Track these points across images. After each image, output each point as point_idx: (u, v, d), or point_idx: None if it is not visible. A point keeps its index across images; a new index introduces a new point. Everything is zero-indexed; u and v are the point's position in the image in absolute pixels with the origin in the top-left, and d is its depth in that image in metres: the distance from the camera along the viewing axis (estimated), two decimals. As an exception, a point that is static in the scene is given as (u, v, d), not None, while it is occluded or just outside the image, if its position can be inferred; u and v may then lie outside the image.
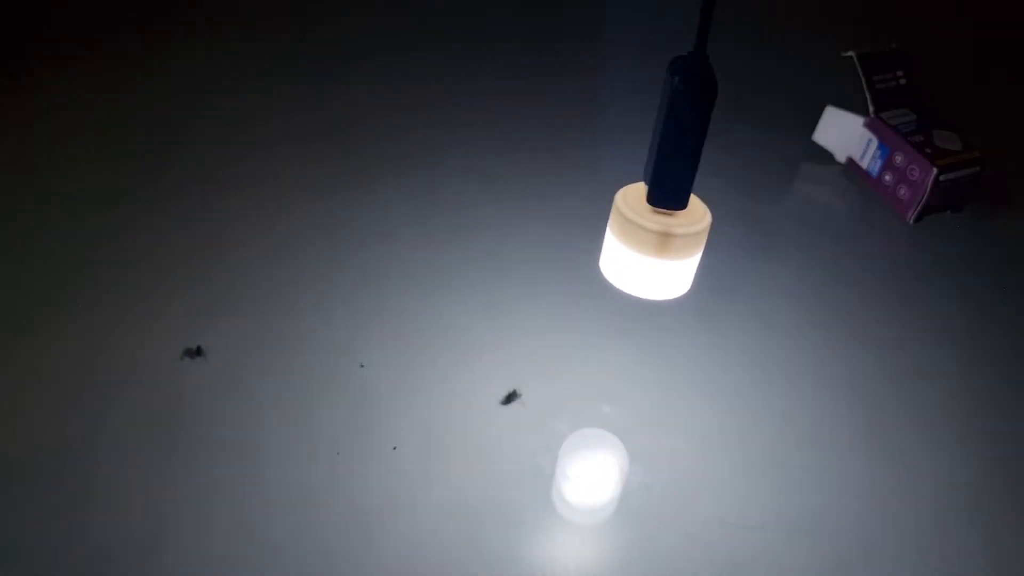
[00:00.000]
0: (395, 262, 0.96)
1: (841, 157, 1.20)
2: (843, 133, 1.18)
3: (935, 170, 1.05)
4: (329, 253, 0.96)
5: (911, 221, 1.10)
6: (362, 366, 0.83)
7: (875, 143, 1.14)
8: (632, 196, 0.63)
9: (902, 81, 1.17)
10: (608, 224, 0.65)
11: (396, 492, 0.73)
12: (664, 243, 0.61)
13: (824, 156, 1.21)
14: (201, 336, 0.84)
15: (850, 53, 1.15)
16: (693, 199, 0.63)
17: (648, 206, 0.62)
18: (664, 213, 0.62)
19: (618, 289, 0.66)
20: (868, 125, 1.15)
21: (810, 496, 0.77)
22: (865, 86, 1.15)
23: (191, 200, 1.02)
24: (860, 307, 0.97)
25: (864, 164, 1.16)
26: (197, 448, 0.75)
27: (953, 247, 1.07)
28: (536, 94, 1.28)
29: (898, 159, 1.10)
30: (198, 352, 0.77)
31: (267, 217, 1.00)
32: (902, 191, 1.10)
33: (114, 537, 0.68)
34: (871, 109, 1.14)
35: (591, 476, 0.76)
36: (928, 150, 1.08)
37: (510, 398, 0.81)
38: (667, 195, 0.62)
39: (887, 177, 1.12)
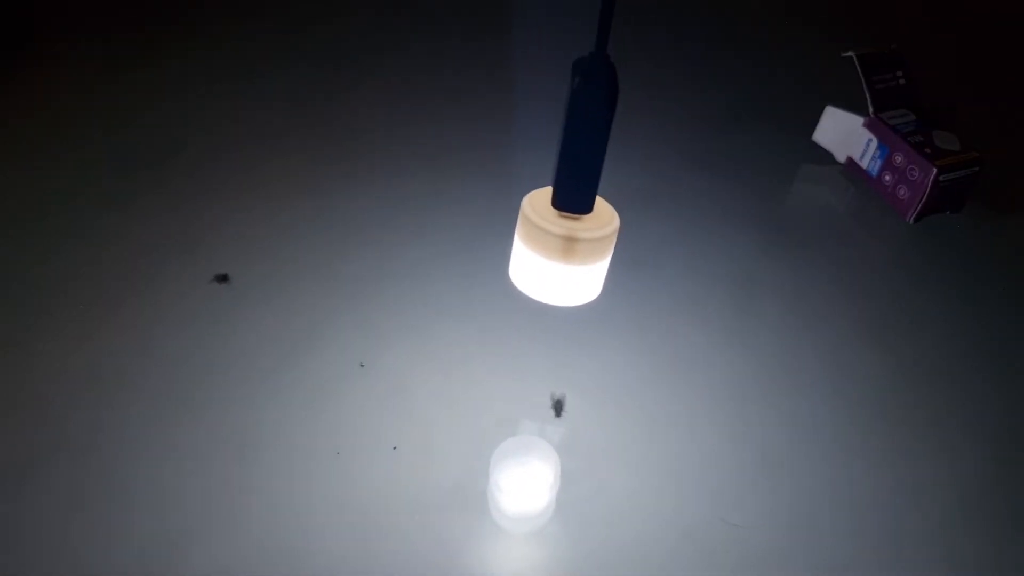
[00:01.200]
0: (395, 262, 0.96)
1: (841, 157, 1.20)
2: (843, 133, 1.18)
3: (935, 170, 1.05)
4: (329, 252, 0.96)
5: (911, 221, 1.10)
6: (362, 366, 0.83)
7: (875, 143, 1.14)
8: (539, 200, 0.62)
9: (902, 81, 1.17)
10: (516, 229, 0.63)
11: (396, 492, 0.73)
12: (569, 248, 0.60)
13: (824, 156, 1.21)
14: (204, 334, 0.84)
15: (850, 53, 1.15)
16: (601, 203, 0.62)
17: (554, 210, 0.61)
18: (570, 217, 0.60)
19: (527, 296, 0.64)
20: (868, 125, 1.15)
21: (811, 496, 0.77)
22: (865, 86, 1.15)
23: (190, 199, 1.02)
24: (860, 306, 0.97)
25: (864, 164, 1.16)
26: (196, 448, 0.75)
27: (952, 247, 1.07)
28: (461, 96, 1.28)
29: (898, 159, 1.10)
30: (225, 278, 0.80)
31: (267, 216, 1.00)
32: (902, 191, 1.10)
33: (113, 537, 0.68)
34: (871, 109, 1.15)
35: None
36: (928, 150, 1.08)
37: (558, 406, 0.81)
38: (571, 199, 0.60)
39: (887, 177, 1.12)
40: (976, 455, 0.82)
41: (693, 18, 1.54)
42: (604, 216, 0.62)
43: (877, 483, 0.79)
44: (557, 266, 0.61)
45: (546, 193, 0.62)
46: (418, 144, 1.16)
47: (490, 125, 1.21)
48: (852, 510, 0.76)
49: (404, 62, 1.34)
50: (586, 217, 0.61)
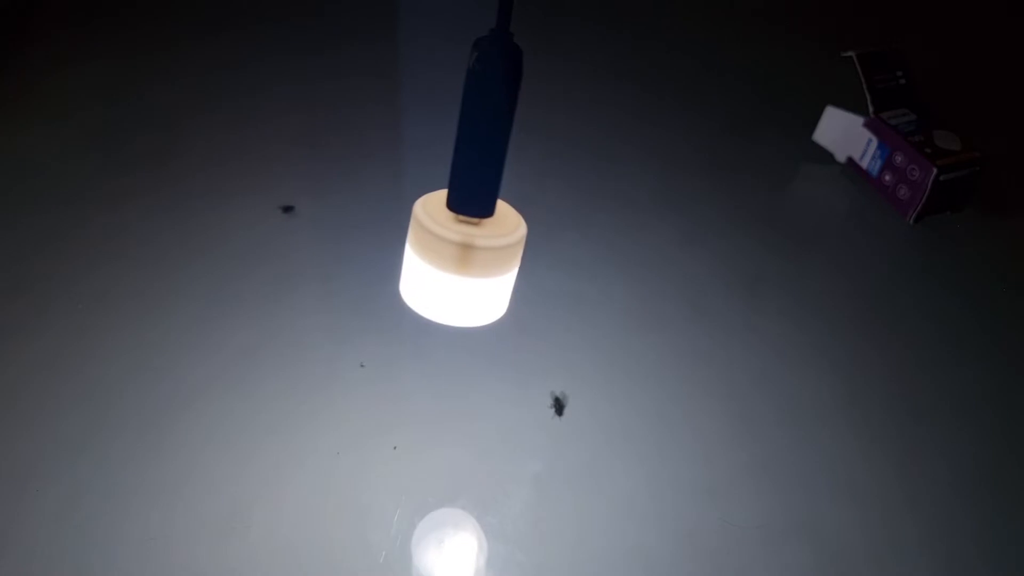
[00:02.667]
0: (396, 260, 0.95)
1: (841, 157, 1.20)
2: (843, 133, 1.18)
3: (935, 170, 1.05)
4: (328, 250, 0.96)
5: (911, 221, 1.10)
6: (362, 366, 0.83)
7: (875, 143, 1.13)
8: (434, 203, 0.54)
9: (902, 81, 1.17)
10: (407, 237, 0.55)
11: (396, 492, 0.73)
12: (465, 256, 0.52)
13: (824, 156, 1.21)
14: (202, 334, 0.84)
15: (850, 53, 1.15)
16: (505, 208, 0.55)
17: (450, 214, 0.53)
18: (467, 222, 0.53)
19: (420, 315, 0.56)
20: (868, 125, 1.15)
21: (812, 497, 0.77)
22: (865, 86, 1.15)
23: (189, 198, 1.01)
24: (861, 306, 0.97)
25: (864, 164, 1.16)
26: (194, 446, 0.75)
27: (953, 246, 1.07)
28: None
29: (898, 159, 1.10)
30: (290, 208, 0.80)
31: (266, 215, 1.00)
32: (902, 191, 1.10)
33: (113, 536, 0.68)
34: (871, 109, 1.14)
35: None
36: (928, 150, 1.08)
37: (559, 405, 0.81)
38: (469, 199, 0.52)
39: (887, 177, 1.12)
40: (977, 454, 0.82)
41: (692, 18, 1.54)
42: (508, 222, 0.54)
43: (879, 483, 0.79)
44: (451, 278, 0.53)
45: (443, 195, 0.54)
46: (418, 143, 1.15)
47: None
48: (854, 509, 0.76)
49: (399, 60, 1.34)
50: (487, 223, 0.53)
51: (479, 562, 0.69)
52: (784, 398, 0.85)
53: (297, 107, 1.20)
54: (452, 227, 0.52)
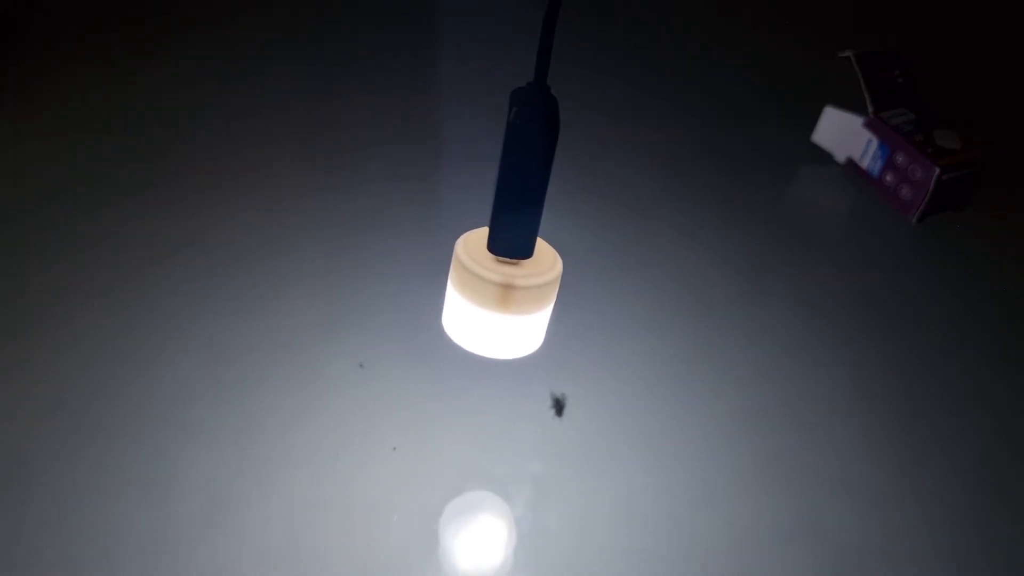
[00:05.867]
0: (395, 260, 0.95)
1: (840, 157, 1.20)
2: (842, 133, 1.18)
3: (938, 170, 1.05)
4: (328, 250, 0.95)
5: (913, 221, 1.09)
6: (362, 366, 0.82)
7: (875, 143, 1.13)
8: (474, 242, 0.57)
9: (900, 80, 1.17)
10: (448, 275, 0.59)
11: (397, 493, 0.72)
12: (506, 296, 0.55)
13: (823, 156, 1.21)
14: (199, 334, 0.83)
15: (848, 53, 1.15)
16: (543, 246, 0.58)
17: (490, 254, 0.56)
18: (507, 262, 0.56)
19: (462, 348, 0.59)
20: (868, 125, 1.14)
21: (812, 498, 0.76)
22: (864, 86, 1.14)
23: (188, 198, 1.00)
24: (863, 307, 0.97)
25: (864, 164, 1.16)
26: (193, 446, 0.73)
27: (954, 246, 1.07)
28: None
29: (899, 159, 1.10)
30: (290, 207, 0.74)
31: (265, 214, 0.99)
32: (904, 191, 1.10)
33: (111, 536, 0.66)
34: (870, 109, 1.14)
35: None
36: (930, 149, 1.07)
37: (559, 406, 0.80)
38: (509, 242, 0.56)
39: (888, 177, 1.12)
40: (979, 456, 0.81)
41: (690, 17, 1.54)
42: (546, 260, 0.57)
43: (882, 482, 0.78)
44: (493, 315, 0.56)
45: (483, 234, 0.57)
46: (416, 141, 1.15)
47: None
48: (857, 509, 0.75)
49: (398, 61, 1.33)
50: (526, 262, 0.56)
51: (479, 563, 0.68)
52: (786, 398, 0.85)
53: (299, 106, 1.20)
54: (493, 268, 0.55)
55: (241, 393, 0.78)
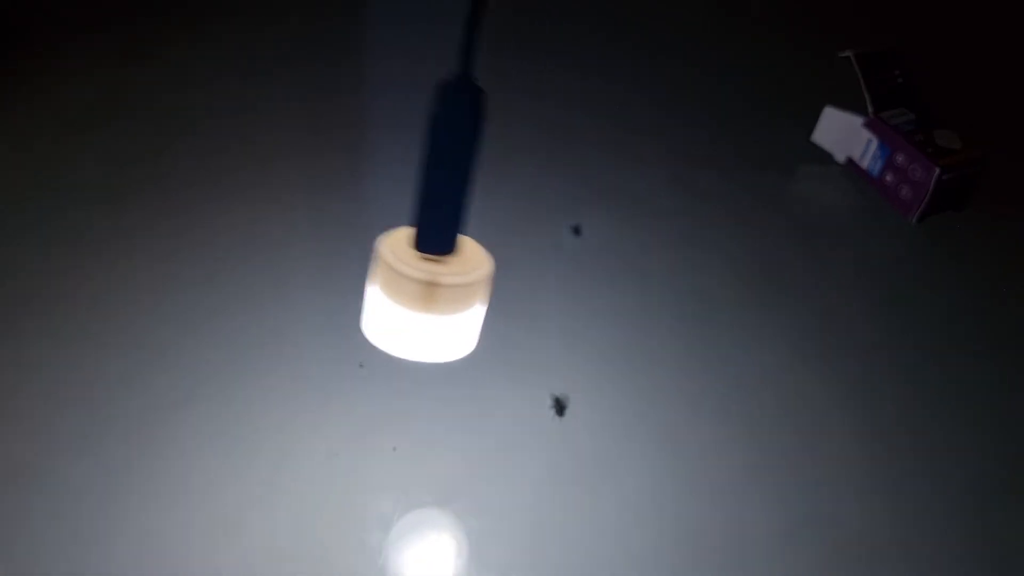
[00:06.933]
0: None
1: (841, 157, 1.19)
2: (843, 133, 1.18)
3: (938, 169, 1.05)
4: (328, 250, 0.95)
5: (914, 221, 1.09)
6: (361, 366, 0.82)
7: (875, 143, 1.13)
8: (398, 241, 0.56)
9: (900, 80, 1.17)
10: (369, 274, 0.57)
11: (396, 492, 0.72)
12: (430, 294, 0.53)
13: (824, 156, 1.21)
14: (199, 334, 0.83)
15: (848, 53, 1.15)
16: (472, 244, 0.57)
17: (415, 252, 0.54)
18: (432, 260, 0.54)
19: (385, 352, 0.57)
20: (868, 125, 1.14)
21: (813, 498, 0.76)
22: (864, 86, 1.14)
23: (187, 197, 1.00)
24: (864, 307, 0.97)
25: (864, 164, 1.15)
26: (193, 446, 0.73)
27: (955, 246, 1.07)
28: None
29: (899, 159, 1.10)
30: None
31: (265, 214, 0.99)
32: (904, 191, 1.09)
33: (110, 536, 0.66)
34: (870, 109, 1.14)
35: None
36: (930, 149, 1.07)
37: (559, 406, 0.80)
38: (433, 238, 0.54)
39: (888, 177, 1.12)
40: (978, 454, 0.82)
41: (690, 18, 1.54)
42: (474, 259, 0.56)
43: (884, 482, 0.78)
44: (418, 316, 0.54)
45: (406, 233, 0.56)
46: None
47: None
48: (860, 509, 0.75)
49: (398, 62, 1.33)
50: (453, 260, 0.55)
51: (479, 564, 0.68)
52: (787, 398, 0.85)
53: (300, 103, 1.19)
54: (417, 265, 0.53)
55: (240, 393, 0.78)
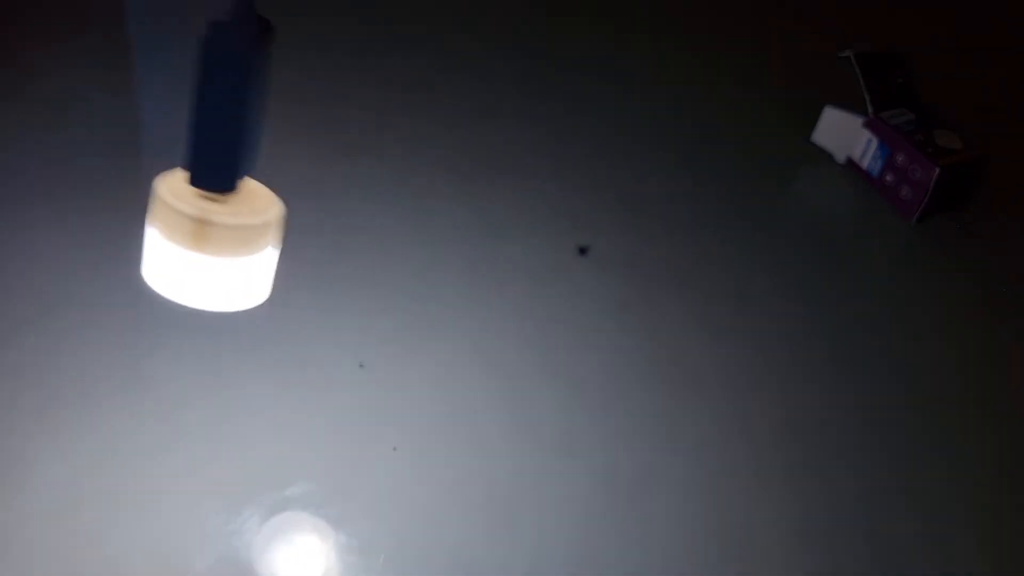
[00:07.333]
0: (394, 260, 0.95)
1: (840, 157, 1.19)
2: (842, 133, 1.18)
3: (938, 169, 1.05)
4: (327, 250, 0.95)
5: (914, 221, 1.09)
6: (362, 366, 0.82)
7: (875, 143, 1.13)
8: (178, 178, 0.51)
9: (900, 80, 1.17)
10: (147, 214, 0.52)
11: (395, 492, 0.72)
12: (201, 232, 0.49)
13: (824, 156, 1.21)
14: (198, 334, 0.83)
15: (847, 53, 1.15)
16: (261, 188, 0.53)
17: (193, 189, 0.50)
18: (210, 198, 0.50)
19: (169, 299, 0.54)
20: (868, 125, 1.14)
21: (813, 498, 0.76)
22: (863, 86, 1.14)
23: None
24: (862, 307, 0.97)
25: (864, 164, 1.15)
26: (193, 446, 0.73)
27: (955, 245, 1.07)
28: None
29: (899, 159, 1.10)
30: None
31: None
32: (904, 191, 1.09)
33: (110, 537, 0.66)
34: (870, 109, 1.14)
35: None
36: (930, 149, 1.07)
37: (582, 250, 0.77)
38: (208, 171, 0.50)
39: (888, 177, 1.12)
40: (978, 454, 0.82)
41: (690, 18, 1.54)
42: (258, 202, 0.52)
43: (886, 482, 0.78)
44: (189, 255, 0.50)
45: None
46: (414, 141, 1.15)
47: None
48: (861, 509, 0.75)
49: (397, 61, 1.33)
50: (235, 201, 0.51)
51: (480, 565, 0.68)
52: (787, 399, 0.85)
53: (298, 101, 1.19)
54: (190, 201, 0.50)
55: (240, 393, 0.78)
